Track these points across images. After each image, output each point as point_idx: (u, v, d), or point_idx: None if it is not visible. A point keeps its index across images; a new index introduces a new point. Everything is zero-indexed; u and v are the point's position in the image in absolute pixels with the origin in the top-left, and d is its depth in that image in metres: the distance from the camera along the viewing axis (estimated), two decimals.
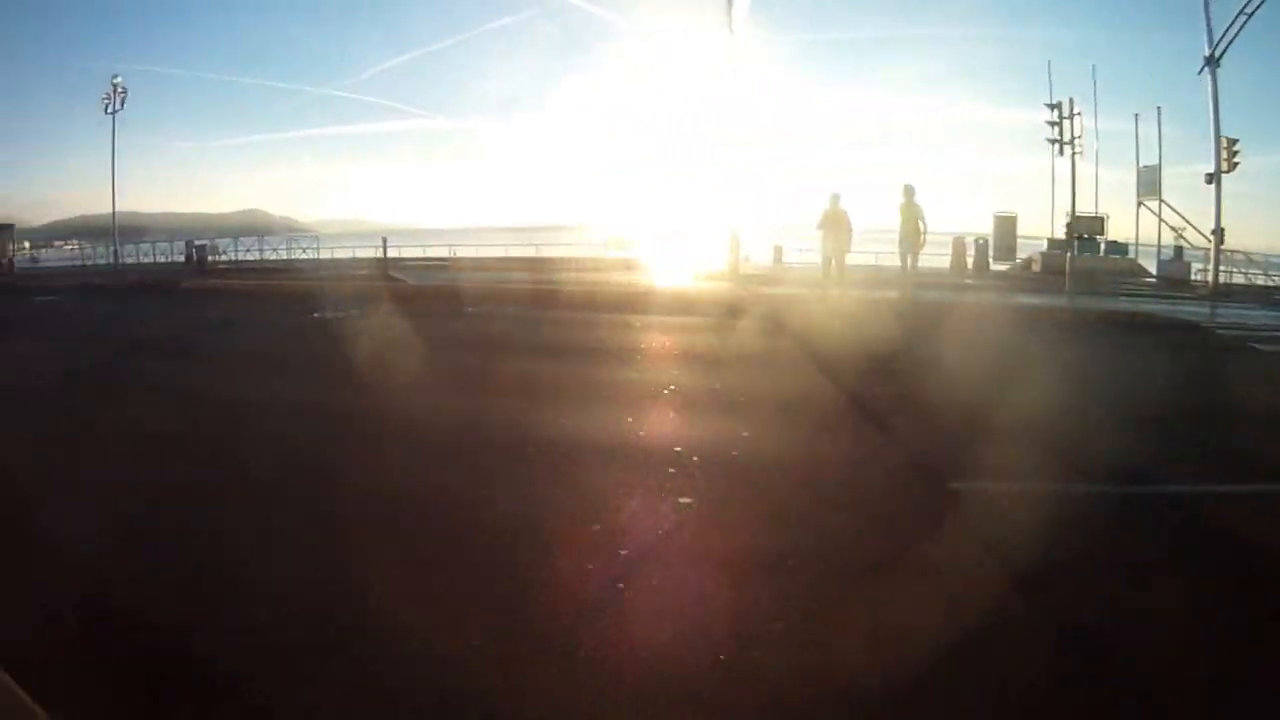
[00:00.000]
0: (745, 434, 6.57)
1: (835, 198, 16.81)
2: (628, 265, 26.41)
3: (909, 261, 17.13)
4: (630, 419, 6.98)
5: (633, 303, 16.27)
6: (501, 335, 13.18)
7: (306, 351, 11.71)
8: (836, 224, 16.83)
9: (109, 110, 43.24)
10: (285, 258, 37.04)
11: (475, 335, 13.32)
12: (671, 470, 5.38)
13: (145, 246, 46.60)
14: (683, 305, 16.64)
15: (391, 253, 29.37)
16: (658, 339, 12.47)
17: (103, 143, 44.24)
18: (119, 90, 44.03)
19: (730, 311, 14.94)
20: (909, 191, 16.48)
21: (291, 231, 53.54)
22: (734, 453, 5.93)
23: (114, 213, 47.19)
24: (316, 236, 41.57)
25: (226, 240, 43.06)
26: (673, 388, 8.46)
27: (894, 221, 17.14)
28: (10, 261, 56.31)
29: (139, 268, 40.84)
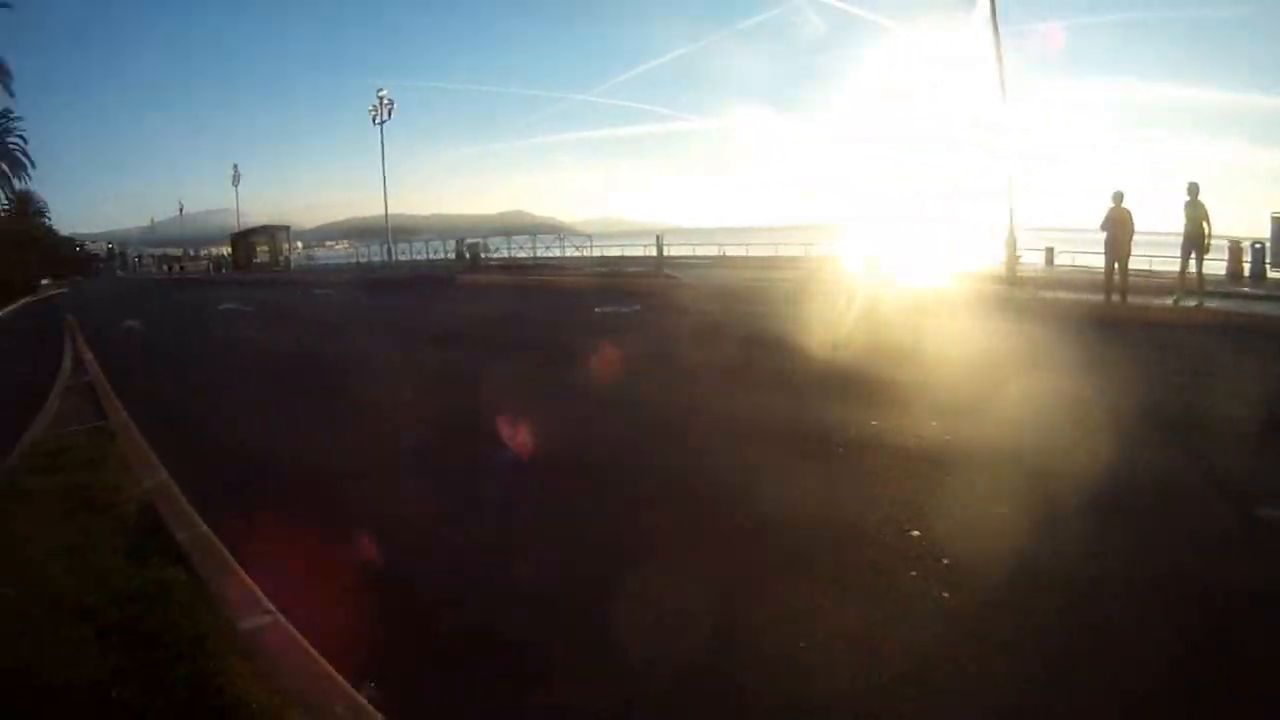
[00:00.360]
0: None
1: (1119, 196, 16.49)
2: (894, 267, 25.93)
3: (1194, 266, 16.44)
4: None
5: (939, 306, 17.26)
6: (808, 334, 13.37)
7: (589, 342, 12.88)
8: (1122, 225, 16.62)
9: (377, 121, 50.24)
10: (556, 255, 39.20)
11: (779, 333, 13.61)
12: None
13: (418, 245, 51.00)
14: (988, 307, 17.13)
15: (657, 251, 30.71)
16: (983, 342, 12.81)
17: (371, 151, 51.81)
18: (385, 103, 50.90)
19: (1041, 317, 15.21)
20: (1193, 190, 15.90)
21: (553, 231, 57.40)
22: None
23: (386, 213, 53.67)
24: (589, 236, 44.48)
25: (498, 239, 46.50)
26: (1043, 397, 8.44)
27: (1157, 222, 18.08)
28: (287, 259, 65.78)
29: (412, 264, 45.00)
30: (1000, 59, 22.82)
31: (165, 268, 77.27)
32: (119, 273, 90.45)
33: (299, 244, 75.63)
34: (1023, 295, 18.80)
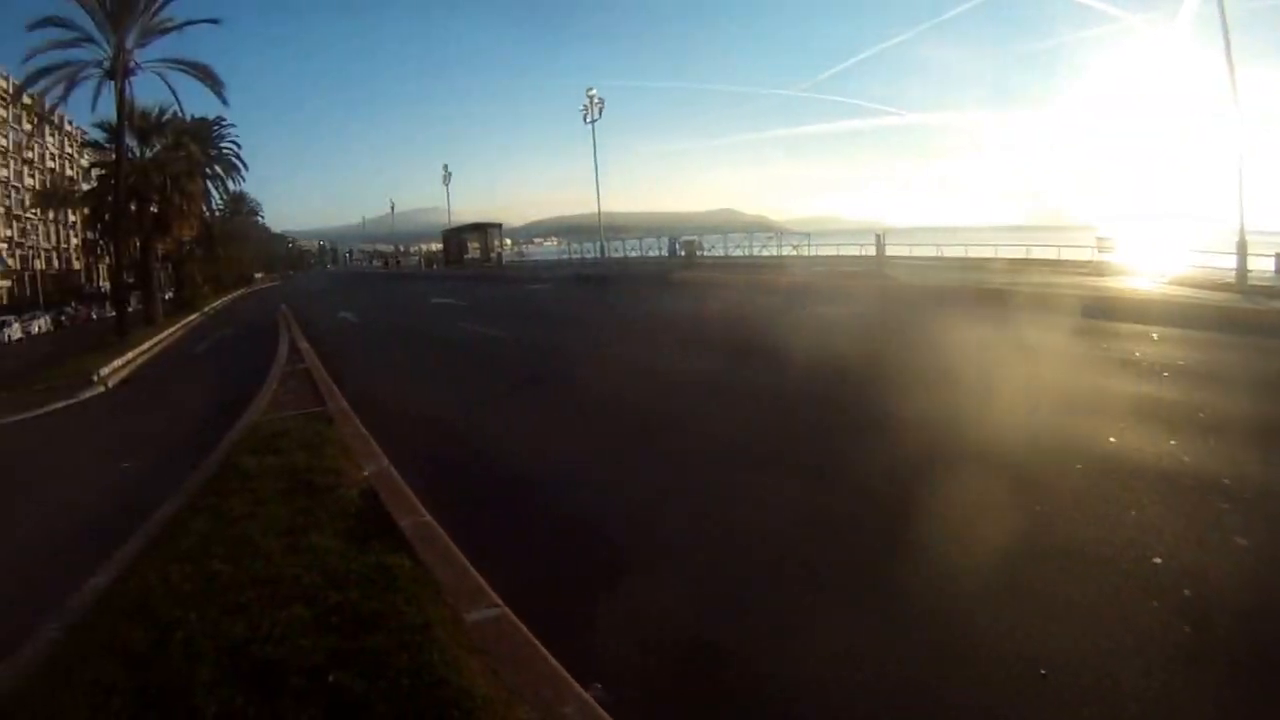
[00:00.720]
0: None
1: None
2: (1126, 269, 23.46)
3: None
4: None
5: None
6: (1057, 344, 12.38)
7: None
8: None
9: (587, 120, 52.44)
10: (771, 254, 39.14)
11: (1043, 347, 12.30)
12: None
13: (631, 243, 52.37)
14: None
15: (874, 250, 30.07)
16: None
17: (580, 149, 53.77)
18: (596, 101, 53.03)
19: None
20: None
21: (763, 229, 57.59)
22: None
23: (599, 210, 55.64)
24: (806, 235, 44.09)
25: (713, 237, 47.13)
26: None
27: None
28: (499, 256, 69.45)
29: (624, 261, 45.68)
30: (1228, 42, 20.31)
31: (380, 263, 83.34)
32: (329, 267, 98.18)
33: (508, 241, 79.91)
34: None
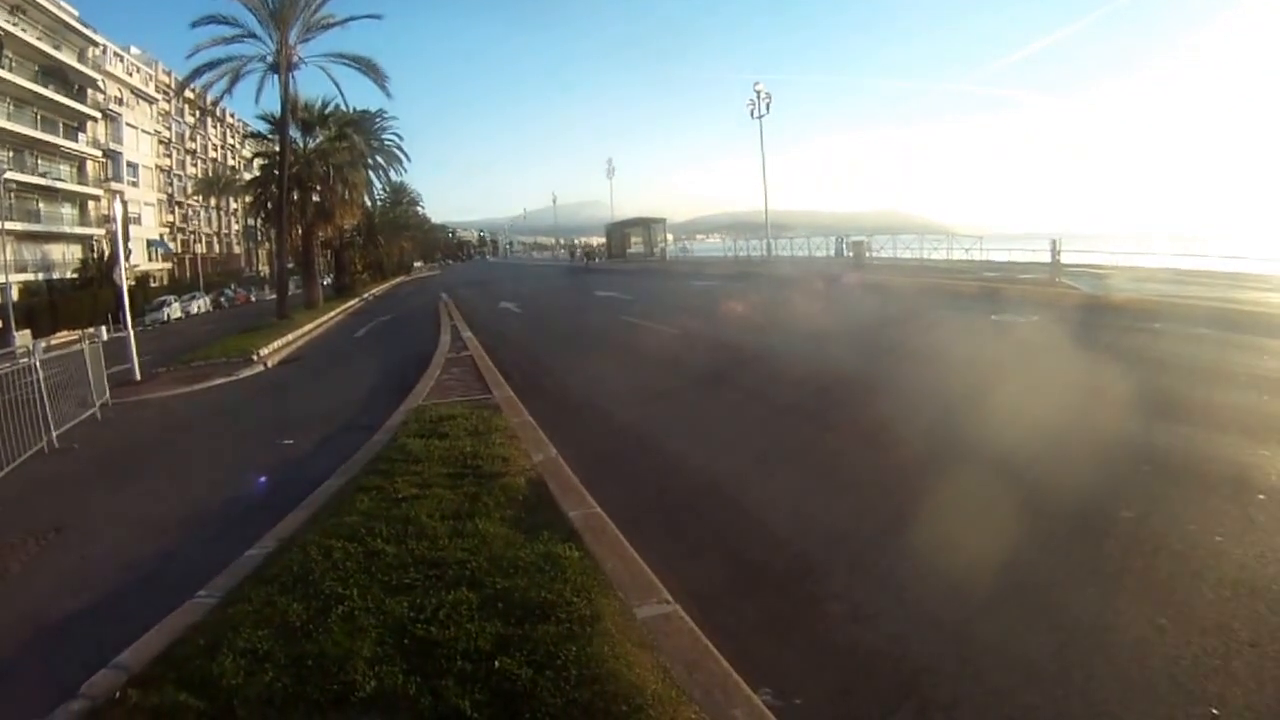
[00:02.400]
0: None
1: None
2: None
3: None
4: None
5: None
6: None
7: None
8: None
9: (754, 115, 51.97)
10: (941, 257, 38.37)
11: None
12: None
13: (798, 242, 51.83)
14: None
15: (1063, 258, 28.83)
16: None
17: (745, 146, 53.36)
18: (763, 96, 52.43)
19: None
20: None
21: (929, 231, 56.07)
22: None
23: (766, 207, 55.16)
24: (979, 238, 42.74)
25: (882, 237, 46.35)
26: None
27: None
28: (662, 250, 69.97)
29: (791, 260, 45.28)
30: None
31: (575, 255, 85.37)
32: (489, 258, 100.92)
33: (670, 236, 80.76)
34: None
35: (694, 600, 4.42)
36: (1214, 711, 3.41)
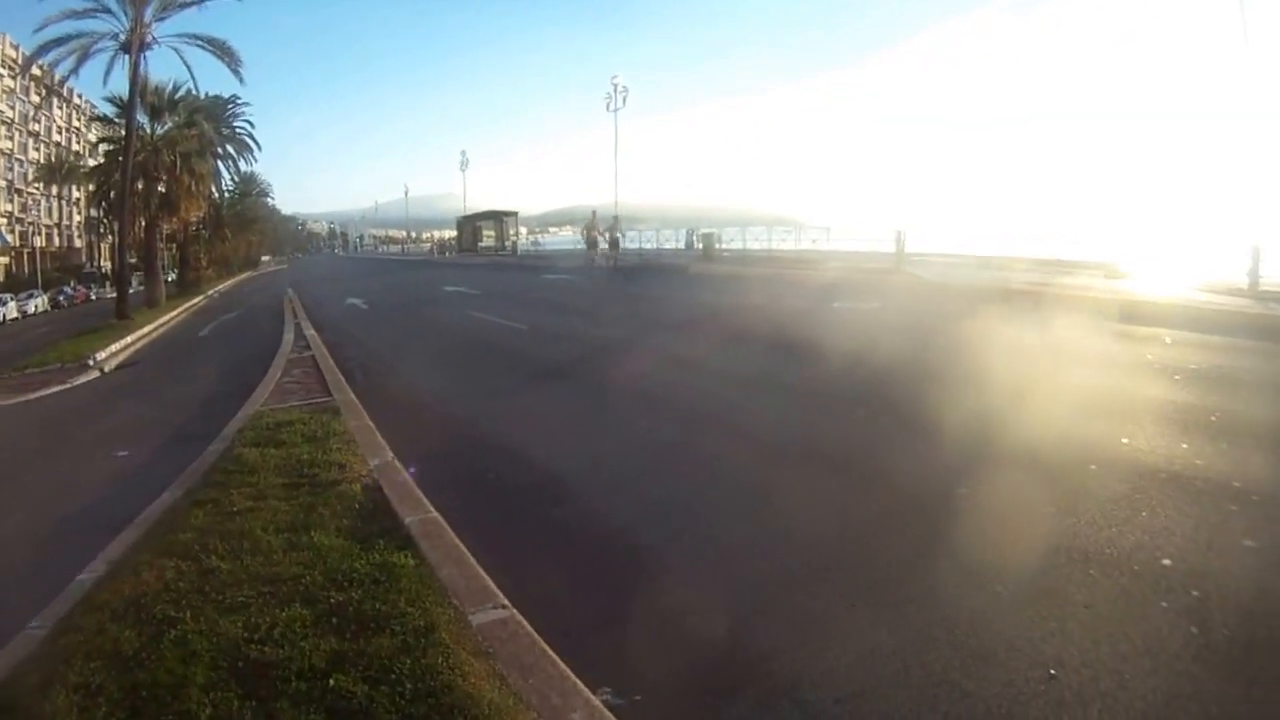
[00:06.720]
0: None
1: None
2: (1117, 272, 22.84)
3: None
4: None
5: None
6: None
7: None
8: None
9: (610, 108, 52.26)
10: (790, 248, 39.75)
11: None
12: None
13: (647, 234, 52.47)
14: None
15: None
16: None
17: (601, 139, 53.46)
18: (620, 89, 52.71)
19: None
20: None
21: (784, 224, 57.82)
22: None
23: (616, 202, 55.38)
24: (827, 229, 44.64)
25: (732, 229, 47.34)
26: None
27: None
28: (513, 244, 69.75)
29: (640, 252, 45.82)
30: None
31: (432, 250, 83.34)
32: (339, 251, 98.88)
33: (523, 229, 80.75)
34: None
35: (531, 603, 4.40)
36: (1052, 672, 3.61)
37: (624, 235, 42.32)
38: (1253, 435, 6.95)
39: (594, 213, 40.92)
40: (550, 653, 3.88)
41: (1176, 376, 9.39)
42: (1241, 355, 10.70)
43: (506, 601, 4.38)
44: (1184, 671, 3.62)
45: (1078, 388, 9.14)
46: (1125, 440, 6.91)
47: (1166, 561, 4.62)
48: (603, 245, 38.54)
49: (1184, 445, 6.69)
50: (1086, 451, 6.60)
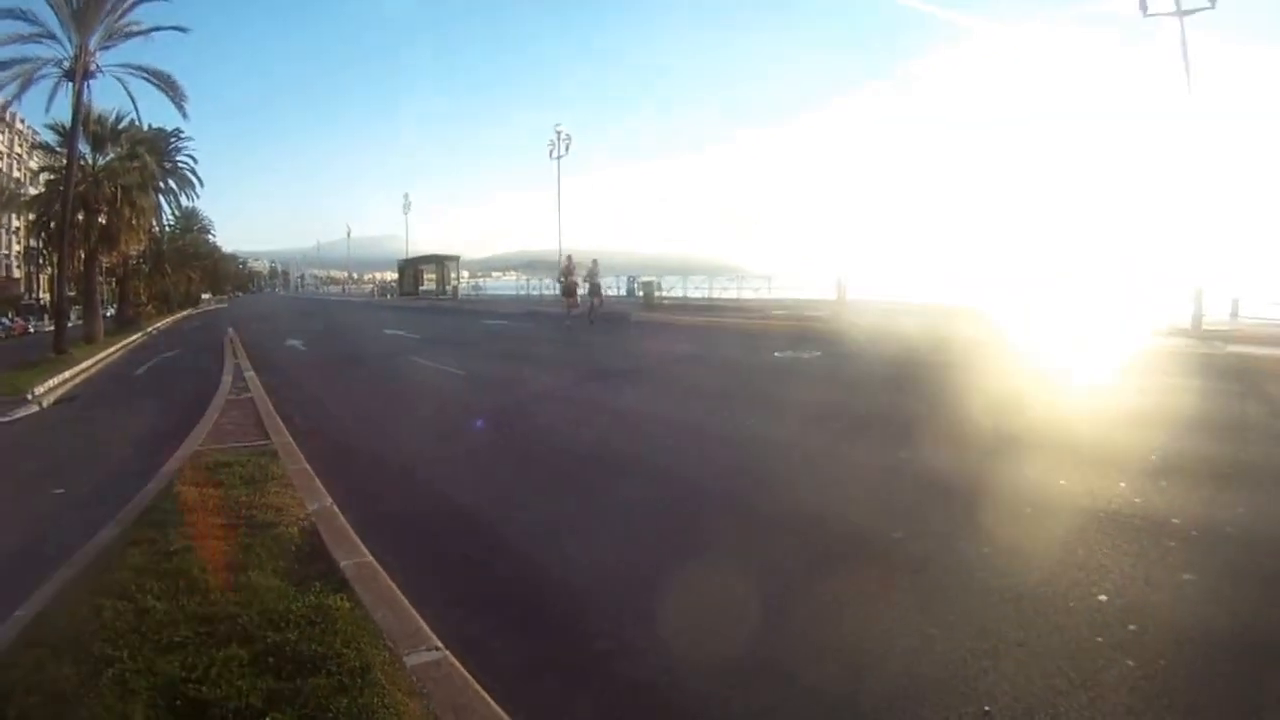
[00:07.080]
0: None
1: None
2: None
3: None
4: None
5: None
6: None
7: None
8: None
9: (554, 156, 53.05)
10: (733, 296, 40.37)
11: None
12: None
13: None
14: None
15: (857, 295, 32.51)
16: None
17: (546, 184, 53.60)
18: (563, 137, 53.63)
19: None
20: None
21: (725, 272, 58.63)
22: None
23: (560, 246, 55.89)
24: (767, 277, 45.41)
25: (672, 277, 47.89)
26: None
27: None
28: (455, 288, 69.99)
29: (583, 298, 45.92)
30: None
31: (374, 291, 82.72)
32: (280, 291, 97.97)
33: (465, 273, 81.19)
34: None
35: (463, 645, 4.53)
36: (986, 709, 3.72)
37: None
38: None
39: (569, 256, 37.08)
40: (483, 693, 3.99)
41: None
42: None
43: (439, 643, 4.51)
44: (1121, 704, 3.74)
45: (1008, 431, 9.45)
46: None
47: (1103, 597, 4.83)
48: (582, 293, 35.51)
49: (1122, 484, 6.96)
50: (1022, 494, 6.92)
